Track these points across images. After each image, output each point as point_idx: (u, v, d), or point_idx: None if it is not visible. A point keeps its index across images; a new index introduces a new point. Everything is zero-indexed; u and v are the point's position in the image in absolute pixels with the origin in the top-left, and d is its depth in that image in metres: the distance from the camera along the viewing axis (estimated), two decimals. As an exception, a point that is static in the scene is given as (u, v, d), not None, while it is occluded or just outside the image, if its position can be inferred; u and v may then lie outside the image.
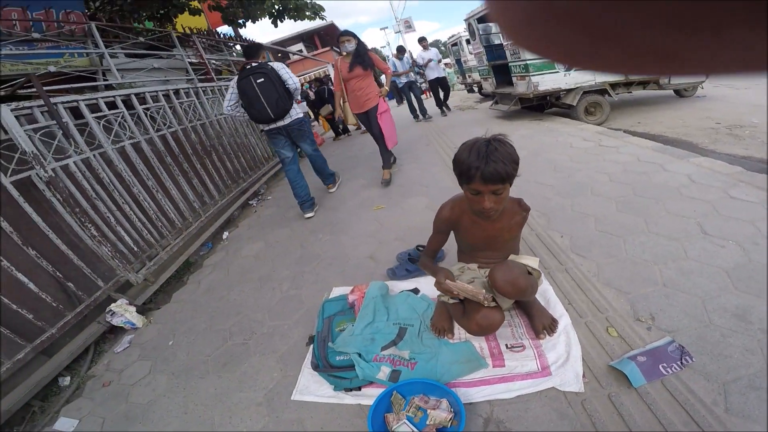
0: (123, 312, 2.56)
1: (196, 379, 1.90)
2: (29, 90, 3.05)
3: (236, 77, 3.24)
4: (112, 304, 2.58)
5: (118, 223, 2.84)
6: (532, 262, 1.55)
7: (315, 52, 18.42)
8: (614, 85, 5.01)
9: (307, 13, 6.73)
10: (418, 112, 7.70)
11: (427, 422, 1.32)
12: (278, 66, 3.23)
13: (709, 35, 0.13)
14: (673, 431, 1.10)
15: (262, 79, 3.11)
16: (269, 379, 1.73)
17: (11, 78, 3.31)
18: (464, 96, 11.43)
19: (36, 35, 3.56)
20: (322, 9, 6.91)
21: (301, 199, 3.56)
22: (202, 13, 6.41)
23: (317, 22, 7.61)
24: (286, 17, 6.68)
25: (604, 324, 1.50)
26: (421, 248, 2.31)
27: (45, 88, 2.66)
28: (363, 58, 3.65)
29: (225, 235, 3.83)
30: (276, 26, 6.76)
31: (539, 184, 2.86)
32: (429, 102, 8.90)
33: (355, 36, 3.68)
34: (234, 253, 3.31)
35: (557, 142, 3.92)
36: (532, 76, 4.80)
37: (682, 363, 1.27)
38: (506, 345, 1.51)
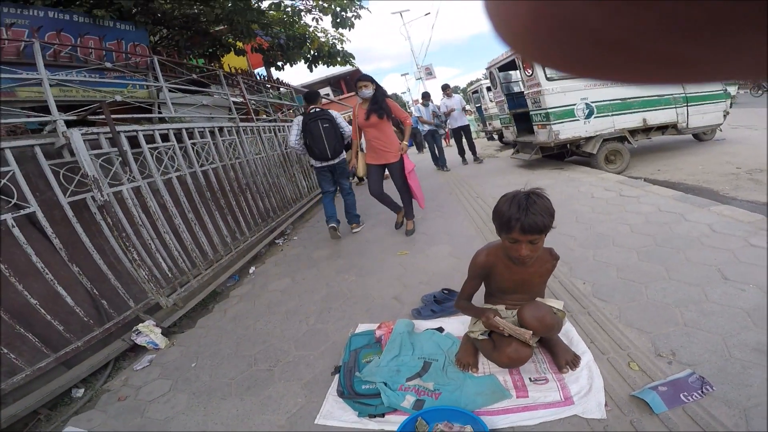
0: (149, 333, 2.65)
1: (218, 400, 1.95)
2: (97, 116, 3.26)
3: (301, 117, 4.00)
4: (140, 324, 2.68)
5: (157, 250, 3.01)
6: (556, 304, 1.62)
7: (341, 97, 19.23)
8: (633, 132, 5.13)
9: (339, 59, 7.27)
10: (440, 162, 7.64)
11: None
12: (336, 115, 4.02)
13: (721, 40, 0.13)
14: None
15: (327, 125, 3.89)
16: (293, 404, 1.78)
17: (80, 104, 3.55)
18: (485, 144, 11.70)
19: (108, 65, 3.77)
20: (352, 57, 7.46)
21: (328, 216, 4.18)
22: (245, 54, 6.87)
23: (344, 67, 8.12)
24: (320, 63, 7.24)
25: (625, 360, 1.53)
26: (446, 291, 2.39)
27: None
28: (380, 105, 3.50)
29: (252, 269, 3.95)
30: (311, 71, 7.30)
31: (562, 234, 2.91)
32: (449, 150, 8.84)
33: (372, 81, 3.54)
34: (261, 287, 3.42)
35: (579, 193, 3.99)
36: (553, 124, 4.96)
37: (702, 392, 1.30)
38: (530, 378, 1.55)
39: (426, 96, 7.76)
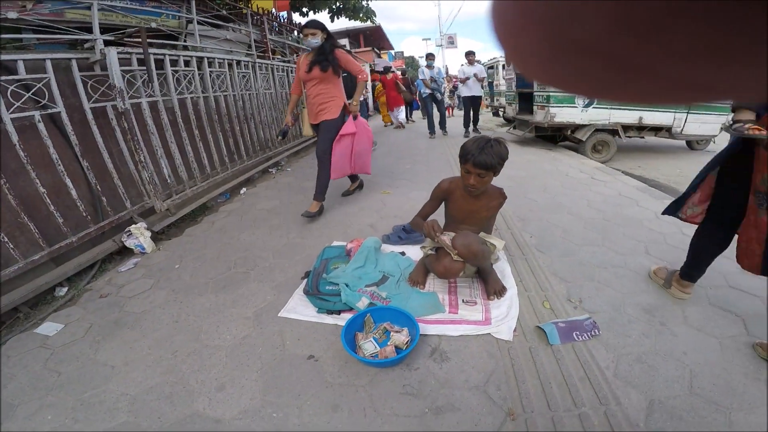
0: (138, 235, 2.84)
1: (194, 296, 2.16)
2: (131, 39, 3.57)
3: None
4: (132, 226, 2.89)
5: (161, 157, 3.26)
6: (496, 241, 1.92)
7: (356, 50, 19.01)
8: (627, 128, 5.31)
9: (361, 15, 7.33)
10: (438, 127, 7.46)
11: (388, 343, 1.67)
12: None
13: (740, 62, 0.13)
14: (570, 380, 1.44)
15: (345, 74, 3.89)
16: (262, 300, 2.05)
17: (116, 27, 3.79)
18: (488, 118, 11.80)
19: (149, -6, 4.08)
20: (374, 14, 7.54)
21: None
22: None
23: (365, 23, 8.15)
24: (342, 15, 7.29)
25: (541, 299, 1.86)
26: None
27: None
28: (326, 56, 3.05)
29: (243, 190, 4.23)
30: (332, 21, 7.34)
31: (527, 199, 3.23)
32: (451, 121, 8.87)
33: (322, 29, 3.07)
34: (249, 205, 3.70)
35: (555, 170, 4.29)
36: (551, 107, 5.15)
37: (591, 334, 1.62)
38: (462, 300, 1.88)
39: (430, 56, 7.49)
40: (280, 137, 3.46)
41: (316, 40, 3.02)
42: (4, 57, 2.34)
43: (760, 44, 0.12)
